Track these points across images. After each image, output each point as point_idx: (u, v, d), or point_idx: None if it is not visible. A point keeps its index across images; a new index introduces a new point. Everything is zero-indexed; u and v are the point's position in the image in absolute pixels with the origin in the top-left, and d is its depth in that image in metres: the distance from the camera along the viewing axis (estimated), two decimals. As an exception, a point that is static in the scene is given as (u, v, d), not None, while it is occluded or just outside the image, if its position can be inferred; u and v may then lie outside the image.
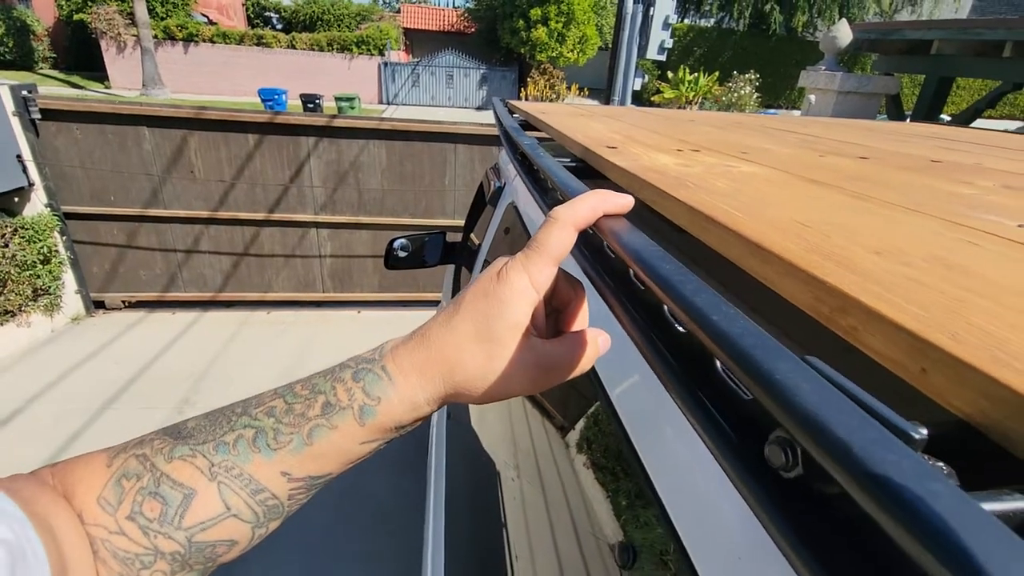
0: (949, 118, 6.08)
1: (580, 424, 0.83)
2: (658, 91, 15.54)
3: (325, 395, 0.31)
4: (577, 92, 14.86)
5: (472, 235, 1.97)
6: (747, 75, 15.48)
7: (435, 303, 4.15)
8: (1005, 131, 1.98)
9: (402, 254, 2.02)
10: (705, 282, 0.22)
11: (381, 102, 15.91)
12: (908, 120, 5.33)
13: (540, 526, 0.94)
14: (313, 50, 14.89)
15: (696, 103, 15.23)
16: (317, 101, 11.40)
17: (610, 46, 6.35)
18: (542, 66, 14.22)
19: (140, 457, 0.29)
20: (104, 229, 3.76)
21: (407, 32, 17.15)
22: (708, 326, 0.18)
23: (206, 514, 0.29)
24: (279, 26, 16.65)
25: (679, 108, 14.91)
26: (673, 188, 0.43)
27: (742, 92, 15.33)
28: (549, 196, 0.43)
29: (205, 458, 0.29)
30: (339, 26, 15.90)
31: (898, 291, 0.24)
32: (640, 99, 16.20)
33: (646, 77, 14.58)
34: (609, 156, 0.59)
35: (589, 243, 0.33)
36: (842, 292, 0.24)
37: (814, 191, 0.48)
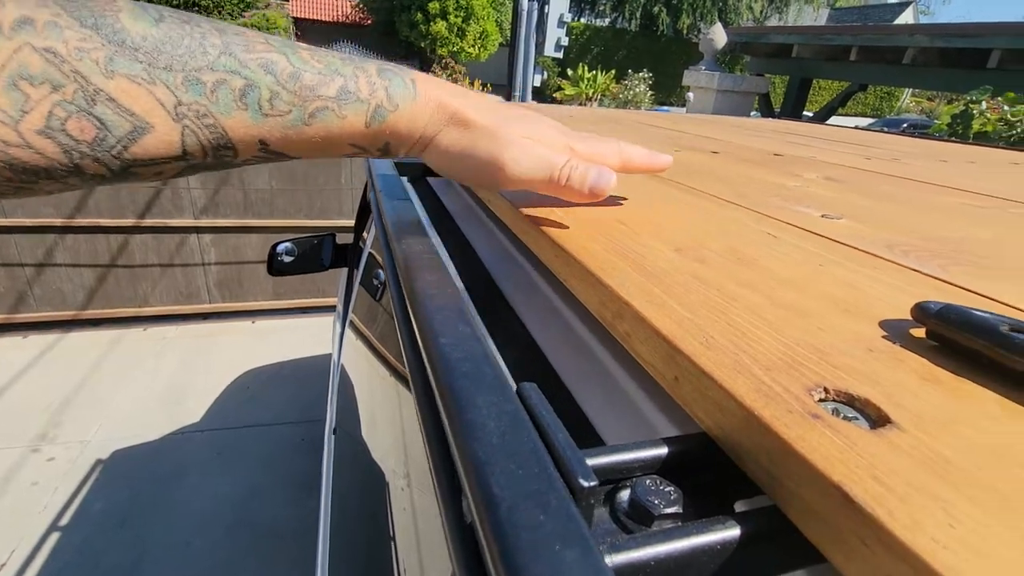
0: (811, 115, 6.77)
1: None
2: (560, 88, 15.95)
3: (344, 79, 0.27)
4: (480, 87, 14.87)
5: (364, 234, 1.89)
6: (641, 73, 16.34)
7: (315, 309, 4.00)
8: (856, 127, 2.23)
9: (287, 259, 1.89)
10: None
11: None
12: (776, 117, 5.89)
13: (431, 535, 0.91)
14: (191, 38, 13.58)
15: (596, 100, 15.82)
16: (198, 94, 10.45)
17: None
18: (444, 61, 14.04)
19: (48, 55, 0.21)
20: (-76, 244, 3.18)
21: (298, 22, 16.16)
22: (430, 348, 0.15)
23: (157, 152, 0.24)
24: (148, 11, 14.98)
25: (579, 104, 15.42)
26: (504, 187, 0.41)
27: (637, 90, 16.14)
28: (370, 193, 0.40)
29: (170, 92, 0.23)
30: (219, 14, 14.66)
31: (676, 292, 0.24)
32: (542, 95, 16.53)
33: (546, 74, 14.88)
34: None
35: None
36: (619, 296, 0.23)
37: (650, 186, 0.49)
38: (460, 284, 0.43)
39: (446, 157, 0.31)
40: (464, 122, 0.31)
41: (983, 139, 2.65)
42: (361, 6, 15.75)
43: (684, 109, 8.34)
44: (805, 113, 6.89)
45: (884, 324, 0.22)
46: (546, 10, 6.20)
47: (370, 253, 1.30)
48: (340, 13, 16.47)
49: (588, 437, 0.28)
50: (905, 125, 13.19)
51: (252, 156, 0.27)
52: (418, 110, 0.29)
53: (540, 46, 6.35)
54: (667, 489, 0.15)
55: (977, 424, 0.16)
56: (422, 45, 13.71)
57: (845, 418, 0.16)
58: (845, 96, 5.69)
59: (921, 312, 0.21)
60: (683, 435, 0.17)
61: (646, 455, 0.16)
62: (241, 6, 14.74)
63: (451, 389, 0.14)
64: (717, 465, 0.17)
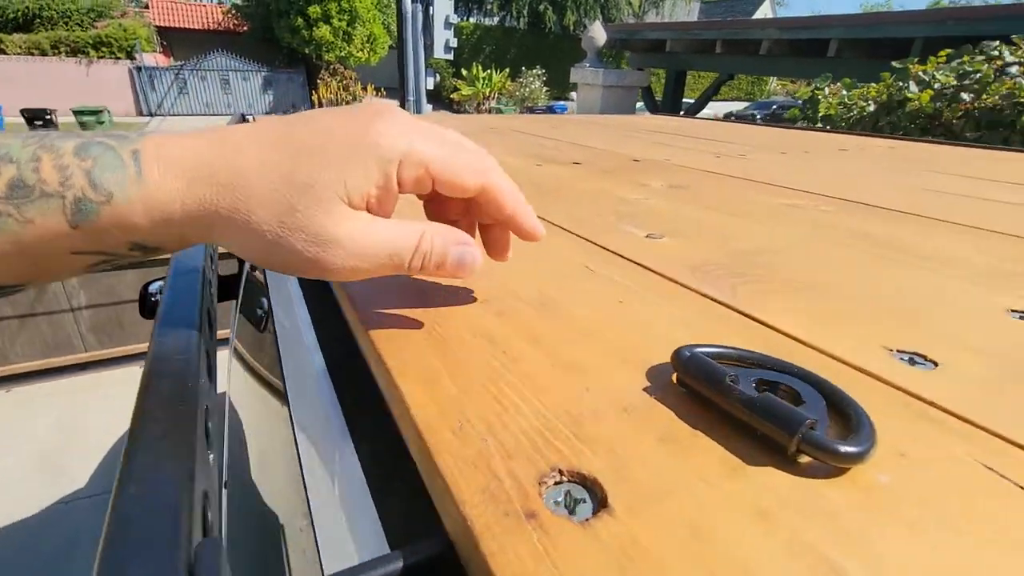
0: (692, 102, 7.24)
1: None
2: (456, 89, 15.92)
3: (17, 166, 0.20)
4: (374, 92, 14.47)
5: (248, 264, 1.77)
6: (534, 71, 16.73)
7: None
8: (730, 113, 2.42)
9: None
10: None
11: (141, 114, 13.47)
12: (658, 108, 6.26)
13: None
14: (32, 54, 12.04)
15: (493, 98, 15.98)
16: (48, 117, 9.30)
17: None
18: (332, 67, 13.50)
19: None
20: None
21: (162, 31, 14.81)
22: (114, 499, 0.14)
23: None
24: (-24, 24, 13.05)
25: (477, 104, 15.49)
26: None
27: (533, 87, 16.52)
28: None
29: None
30: (66, 24, 13.07)
31: (460, 360, 0.24)
32: (439, 97, 16.42)
33: (438, 76, 14.79)
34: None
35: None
36: (392, 380, 0.22)
37: (493, 216, 0.49)
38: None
39: (248, 253, 0.23)
40: (245, 206, 0.22)
41: (828, 121, 2.97)
42: (234, 12, 14.74)
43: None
44: (685, 101, 7.38)
45: (651, 372, 0.23)
46: (431, 12, 6.16)
47: (247, 278, 1.21)
48: (211, 20, 15.31)
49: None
50: (775, 107, 14.52)
51: None
52: (154, 193, 0.21)
53: (429, 48, 6.29)
54: (389, 617, 0.15)
55: (690, 493, 0.17)
56: (306, 51, 13.09)
57: (572, 501, 0.16)
58: (717, 85, 6.17)
59: (676, 360, 0.22)
60: (428, 542, 0.17)
61: (381, 572, 0.16)
62: (92, 15, 13.23)
63: (105, 565, 0.12)
64: None
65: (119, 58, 12.75)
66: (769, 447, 0.18)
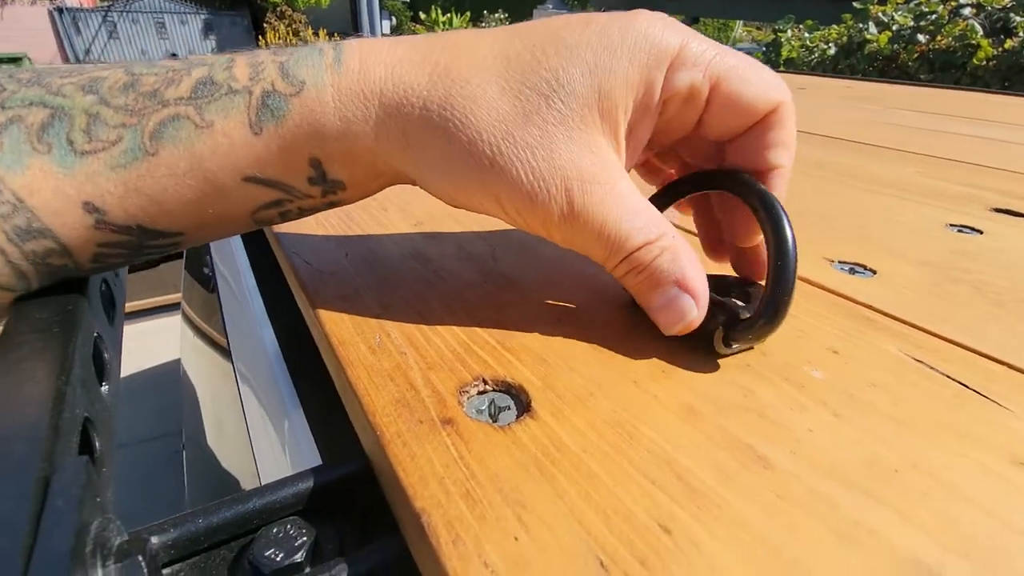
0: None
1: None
2: (414, 33, 15.15)
3: (209, 68, 0.17)
4: (327, 37, 13.64)
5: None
6: (496, 15, 16.02)
7: (175, 307, 3.59)
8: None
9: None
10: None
11: (67, 60, 12.35)
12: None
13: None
14: (-66, -8, 10.74)
15: (453, 44, 15.25)
16: (-39, 64, 8.42)
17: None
18: (279, 9, 12.57)
19: None
20: None
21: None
22: None
23: None
24: None
25: (437, 51, 14.80)
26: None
27: (495, 32, 15.80)
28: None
29: None
30: (-28, -42, 11.66)
31: (379, 279, 0.22)
32: (397, 43, 15.60)
33: (394, 19, 14.00)
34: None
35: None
36: (306, 298, 0.20)
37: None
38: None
39: (443, 178, 0.18)
40: (463, 103, 0.17)
41: (791, 65, 2.97)
42: (166, -54, 13.43)
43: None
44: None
45: (589, 285, 0.22)
46: (384, -52, 5.76)
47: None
48: (140, -45, 13.89)
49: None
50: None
51: (101, 245, 0.17)
52: (349, 77, 0.17)
53: (383, -11, 5.92)
54: (295, 533, 0.14)
55: (619, 395, 0.16)
56: (249, -9, 12.15)
57: (496, 409, 0.15)
58: (681, 29, 6.05)
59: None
60: (345, 460, 0.16)
61: (289, 492, 0.14)
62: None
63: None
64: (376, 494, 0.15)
65: (37, -2, 11.54)
66: (701, 347, 0.18)
